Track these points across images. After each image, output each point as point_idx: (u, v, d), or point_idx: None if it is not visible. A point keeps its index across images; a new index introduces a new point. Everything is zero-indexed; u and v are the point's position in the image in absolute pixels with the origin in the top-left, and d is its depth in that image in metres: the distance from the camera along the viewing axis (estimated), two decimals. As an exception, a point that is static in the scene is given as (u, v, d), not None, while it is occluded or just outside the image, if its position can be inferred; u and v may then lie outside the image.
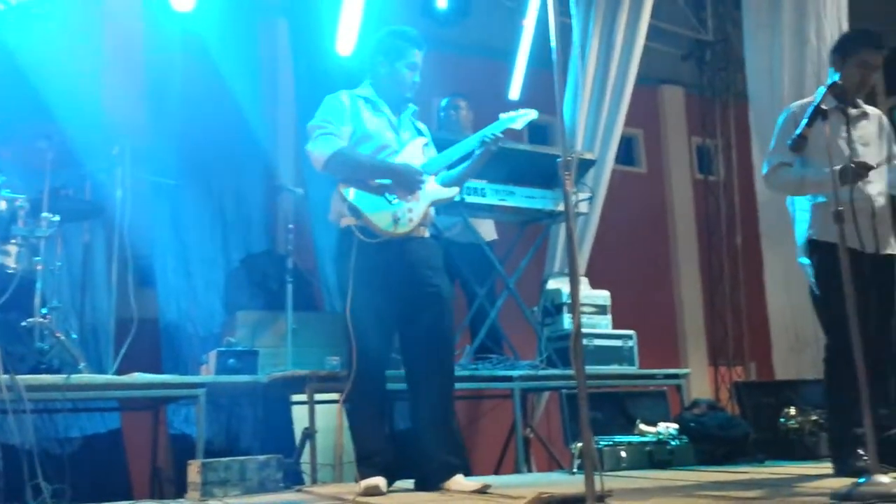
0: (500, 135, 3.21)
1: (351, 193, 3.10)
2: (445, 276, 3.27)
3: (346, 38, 5.66)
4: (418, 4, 6.63)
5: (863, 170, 3.06)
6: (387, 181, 3.13)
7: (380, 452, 3.11)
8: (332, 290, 5.34)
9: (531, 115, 3.26)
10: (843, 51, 3.38)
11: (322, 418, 4.17)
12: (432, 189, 3.24)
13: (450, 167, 3.36)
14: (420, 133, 3.36)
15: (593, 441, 4.06)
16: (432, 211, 3.30)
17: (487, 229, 5.27)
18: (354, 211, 3.08)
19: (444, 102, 5.38)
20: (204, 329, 5.00)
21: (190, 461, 3.45)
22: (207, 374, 4.02)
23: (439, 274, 3.21)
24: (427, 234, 3.25)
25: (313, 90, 5.87)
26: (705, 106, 8.46)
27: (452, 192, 3.31)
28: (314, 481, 3.73)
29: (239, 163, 5.63)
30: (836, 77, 3.27)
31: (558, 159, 2.34)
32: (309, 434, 3.72)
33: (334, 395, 4.58)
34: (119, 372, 3.88)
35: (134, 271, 4.10)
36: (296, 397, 4.37)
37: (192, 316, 5.08)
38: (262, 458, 3.47)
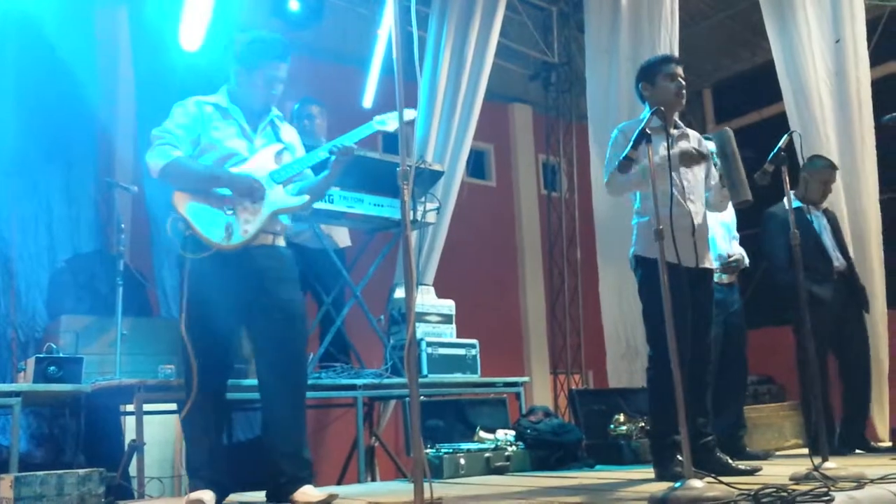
0: (353, 145, 3.18)
1: (184, 205, 3.03)
2: (296, 286, 3.22)
3: (193, 33, 5.47)
4: (270, 4, 6.51)
5: (700, 157, 3.41)
6: (226, 192, 3.06)
7: (207, 465, 3.04)
8: (169, 294, 5.13)
9: (409, 114, 3.17)
10: (649, 74, 3.63)
11: (158, 430, 3.99)
12: (277, 198, 3.16)
13: (316, 172, 3.33)
14: (278, 139, 3.28)
15: (426, 448, 4.16)
16: (284, 219, 3.23)
17: (342, 236, 5.25)
18: (185, 223, 3.02)
19: (295, 107, 5.31)
20: (25, 333, 4.64)
21: (2, 475, 3.20)
22: (25, 382, 3.75)
23: (287, 284, 3.15)
24: (276, 243, 3.18)
25: (155, 85, 5.64)
26: (551, 125, 8.81)
27: (299, 200, 3.24)
28: (141, 496, 3.56)
29: (71, 156, 5.27)
30: (648, 105, 3.49)
31: (398, 168, 2.36)
32: (136, 446, 3.55)
33: (171, 406, 4.41)
34: (-75, 379, 3.55)
35: (-55, 270, 3.77)
36: (130, 407, 4.16)
37: (11, 319, 4.70)
38: (81, 471, 3.25)
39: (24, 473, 3.18)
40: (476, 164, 8.60)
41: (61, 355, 3.83)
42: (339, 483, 4.95)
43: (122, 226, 4.26)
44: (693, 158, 3.42)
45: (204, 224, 3.01)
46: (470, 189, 7.02)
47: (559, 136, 8.73)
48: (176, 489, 4.31)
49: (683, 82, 3.60)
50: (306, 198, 3.25)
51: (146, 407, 3.73)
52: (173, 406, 4.45)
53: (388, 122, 3.23)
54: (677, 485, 2.54)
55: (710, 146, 3.77)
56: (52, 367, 3.72)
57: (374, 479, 4.93)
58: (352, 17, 7.17)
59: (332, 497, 2.98)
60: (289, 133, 3.36)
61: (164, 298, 5.15)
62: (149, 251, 5.15)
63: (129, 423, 4.23)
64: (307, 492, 3.00)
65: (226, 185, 3.06)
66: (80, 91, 5.25)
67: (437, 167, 5.34)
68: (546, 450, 4.38)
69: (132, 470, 3.71)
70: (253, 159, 3.16)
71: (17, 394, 3.57)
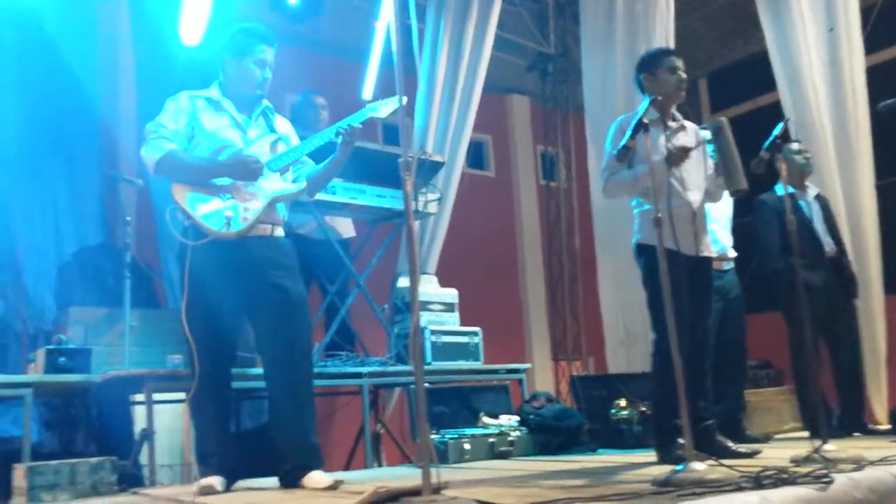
0: (358, 126, 3.19)
1: (183, 196, 3.07)
2: (297, 275, 3.24)
3: (193, 28, 5.50)
4: (268, -1, 6.55)
5: (683, 151, 3.36)
6: (225, 181, 3.09)
7: (217, 452, 3.12)
8: (176, 285, 5.18)
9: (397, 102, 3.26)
10: (650, 66, 3.66)
11: (167, 419, 4.05)
12: (274, 186, 3.19)
13: (317, 161, 3.35)
14: (272, 130, 3.30)
15: (431, 434, 4.21)
16: (281, 209, 3.26)
17: (345, 226, 5.29)
18: (185, 214, 3.06)
19: (299, 99, 5.35)
20: (34, 326, 4.68)
21: (15, 465, 3.26)
22: (35, 374, 3.80)
23: (288, 273, 3.18)
24: (274, 233, 3.22)
25: (156, 79, 5.66)
26: (548, 115, 8.85)
27: (297, 187, 3.26)
28: (153, 483, 3.62)
29: (75, 150, 5.31)
30: (647, 96, 3.46)
31: (399, 159, 2.39)
32: (147, 435, 3.61)
33: (180, 395, 4.47)
34: (-63, 371, 3.60)
35: (-46, 263, 3.81)
36: (139, 397, 4.21)
37: (20, 311, 4.74)
38: (94, 460, 3.32)
39: (37, 463, 3.24)
40: (475, 155, 8.64)
41: (71, 346, 3.88)
42: (346, 469, 5.01)
43: (128, 218, 4.29)
44: (680, 156, 3.41)
45: (204, 213, 3.05)
46: (469, 180, 7.06)
47: (557, 127, 8.77)
48: (185, 477, 4.36)
49: (684, 75, 3.65)
50: (303, 184, 3.28)
51: (155, 396, 3.78)
52: (182, 395, 4.52)
53: (380, 109, 3.23)
54: (679, 467, 2.58)
55: (706, 135, 3.82)
56: (62, 358, 3.76)
57: (380, 465, 4.98)
58: (350, 9, 7.19)
59: (339, 482, 3.02)
60: (282, 124, 3.39)
61: (171, 290, 5.19)
62: (154, 243, 5.19)
63: (138, 413, 4.30)
64: (315, 477, 3.04)
65: (222, 173, 3.09)
66: (82, 85, 5.26)
67: (437, 158, 5.39)
68: (549, 435, 4.44)
69: (143, 458, 3.77)
70: (248, 150, 3.18)
71: (28, 384, 3.62)
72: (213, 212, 3.06)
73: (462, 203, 6.27)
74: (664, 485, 2.55)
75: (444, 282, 5.41)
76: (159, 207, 5.36)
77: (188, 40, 5.51)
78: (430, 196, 5.20)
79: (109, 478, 3.32)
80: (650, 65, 3.67)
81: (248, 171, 3.09)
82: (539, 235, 8.87)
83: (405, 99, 3.13)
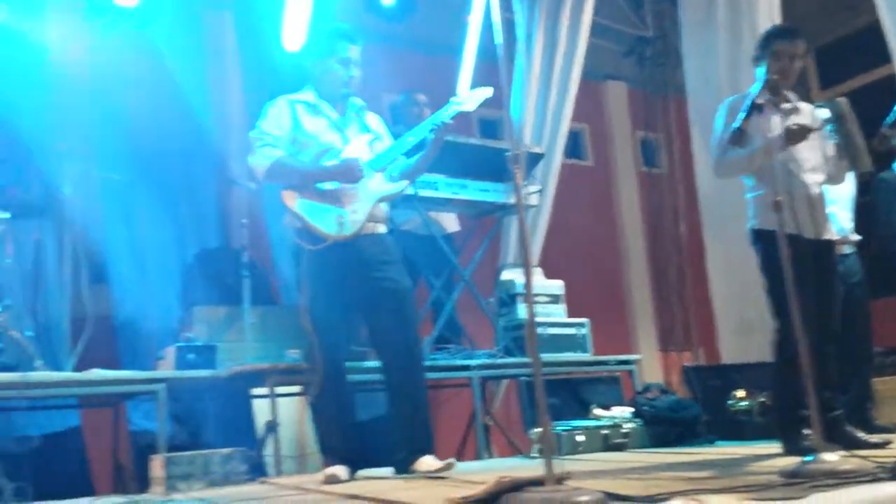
0: (450, 121, 3.23)
1: (294, 201, 3.19)
2: (402, 267, 3.35)
3: (294, 33, 5.66)
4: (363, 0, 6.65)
5: (803, 130, 3.21)
6: (333, 184, 3.19)
7: (341, 443, 3.24)
8: (289, 284, 5.35)
9: (485, 93, 3.20)
10: (759, 48, 3.55)
11: (284, 411, 4.20)
12: (378, 186, 3.28)
13: (409, 157, 3.41)
14: (367, 129, 3.39)
15: (551, 426, 4.21)
16: (384, 207, 3.34)
17: (450, 221, 5.35)
18: (298, 218, 3.17)
19: (402, 98, 5.42)
20: (160, 325, 4.93)
21: (153, 456, 3.46)
22: (166, 370, 4.01)
23: (395, 268, 3.29)
24: (381, 230, 3.32)
25: (262, 85, 5.86)
26: (647, 101, 8.65)
27: (399, 186, 3.35)
28: (278, 473, 3.76)
29: (190, 157, 5.56)
30: (762, 75, 3.34)
31: (507, 153, 2.40)
32: (272, 426, 3.76)
33: (295, 388, 4.64)
34: (76, 369, 3.84)
35: (86, 268, 4.06)
36: (257, 391, 4.39)
37: (147, 312, 5.01)
38: (225, 451, 3.49)
39: (173, 454, 3.43)
40: (572, 145, 8.54)
41: (198, 343, 4.08)
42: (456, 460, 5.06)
43: (244, 221, 4.46)
44: (800, 134, 3.26)
45: (317, 218, 3.16)
46: (568, 170, 7.00)
47: (657, 112, 8.59)
48: (301, 466, 4.54)
49: (790, 61, 3.47)
50: (405, 183, 3.37)
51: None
52: (296, 388, 4.68)
53: (466, 102, 3.23)
54: (809, 458, 2.51)
55: (825, 113, 3.66)
56: (190, 355, 3.98)
57: (491, 457, 5.02)
58: (444, 7, 7.22)
59: (450, 465, 3.09)
60: (374, 121, 3.48)
61: (284, 288, 5.38)
62: (267, 243, 5.39)
63: (257, 406, 4.48)
64: (427, 460, 3.13)
65: (327, 177, 3.19)
66: (194, 94, 5.51)
67: (536, 150, 5.38)
68: (665, 426, 4.37)
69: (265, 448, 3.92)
70: (346, 150, 3.28)
71: (161, 380, 3.84)
72: (326, 216, 3.17)
73: (561, 193, 6.23)
74: (794, 476, 2.46)
75: (546, 273, 5.39)
76: (270, 209, 5.57)
77: (290, 46, 5.67)
78: (531, 188, 5.19)
79: (240, 467, 3.48)
80: (759, 47, 3.58)
81: (352, 176, 3.20)
82: (641, 223, 8.70)
83: (489, 91, 3.15)
